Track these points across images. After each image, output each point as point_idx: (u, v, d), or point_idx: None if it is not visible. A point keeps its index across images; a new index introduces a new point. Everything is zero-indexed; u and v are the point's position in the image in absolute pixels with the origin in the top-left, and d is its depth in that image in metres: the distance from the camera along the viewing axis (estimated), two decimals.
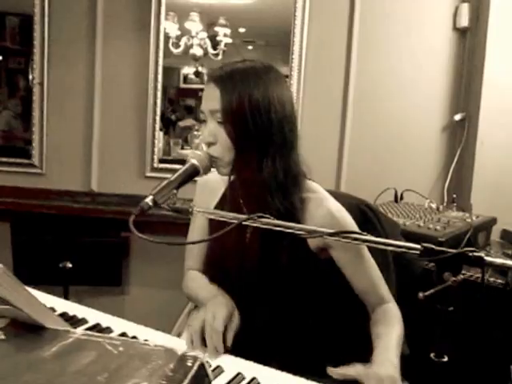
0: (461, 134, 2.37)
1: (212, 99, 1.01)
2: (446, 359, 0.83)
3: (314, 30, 2.44)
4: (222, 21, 2.67)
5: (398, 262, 1.34)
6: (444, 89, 2.42)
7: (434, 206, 2.17)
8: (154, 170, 2.63)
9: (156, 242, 0.87)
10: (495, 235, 2.14)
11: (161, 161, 2.63)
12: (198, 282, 1.23)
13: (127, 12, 2.53)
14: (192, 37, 2.63)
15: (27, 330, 0.56)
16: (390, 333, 1.01)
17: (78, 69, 2.59)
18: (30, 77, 2.60)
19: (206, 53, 2.64)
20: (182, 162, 2.84)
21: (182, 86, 2.71)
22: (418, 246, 0.81)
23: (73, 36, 2.58)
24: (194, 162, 0.97)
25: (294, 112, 1.08)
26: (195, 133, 2.80)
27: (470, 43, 2.36)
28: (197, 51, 2.65)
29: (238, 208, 1.10)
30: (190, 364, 0.48)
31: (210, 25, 2.63)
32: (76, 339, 0.54)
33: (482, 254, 0.77)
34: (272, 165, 1.03)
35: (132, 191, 2.62)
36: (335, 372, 0.82)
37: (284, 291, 1.10)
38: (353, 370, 0.82)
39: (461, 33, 2.37)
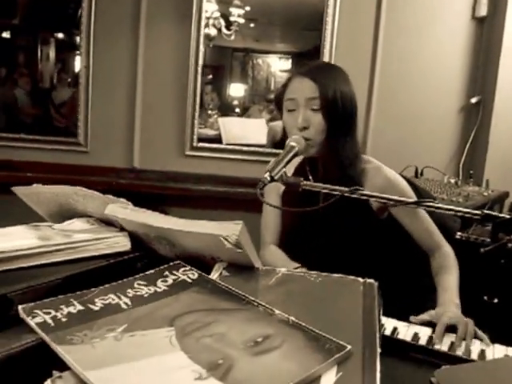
0: (476, 115, 2.61)
1: (308, 89, 1.23)
2: (496, 301, 1.08)
3: (344, 14, 2.63)
4: (236, 1, 2.84)
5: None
6: (461, 74, 2.64)
7: (452, 181, 2.42)
8: (193, 148, 2.83)
9: (280, 208, 1.10)
10: (506, 208, 2.41)
11: (199, 140, 2.84)
12: (278, 257, 1.41)
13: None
14: (208, 18, 2.75)
15: (242, 269, 0.80)
16: (449, 277, 1.23)
17: (121, 51, 2.74)
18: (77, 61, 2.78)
19: (219, 32, 2.76)
20: (219, 142, 3.02)
21: None
22: (479, 212, 1.05)
23: (117, 19, 2.73)
24: (294, 144, 1.19)
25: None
26: (209, 112, 3.00)
27: (487, 31, 2.57)
28: (211, 31, 2.82)
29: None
30: (372, 287, 0.73)
31: (224, 4, 2.78)
32: (283, 274, 0.77)
33: None
34: (351, 141, 1.27)
35: (172, 169, 2.84)
36: (417, 319, 1.04)
37: (353, 249, 1.34)
38: (427, 315, 1.05)
39: (479, 21, 2.58)
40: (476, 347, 0.92)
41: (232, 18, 2.80)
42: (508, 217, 1.02)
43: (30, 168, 2.80)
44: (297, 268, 1.29)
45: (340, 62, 2.64)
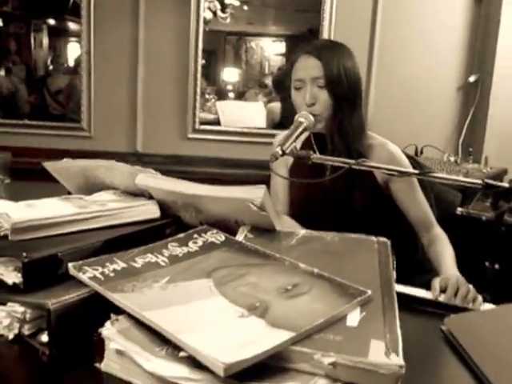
0: (474, 93, 2.66)
1: (314, 68, 1.29)
2: (497, 266, 1.16)
3: (341, 4, 2.66)
4: None
5: (437, 205, 1.66)
6: (460, 53, 2.70)
7: (452, 159, 2.49)
8: (195, 131, 2.88)
9: (290, 179, 1.16)
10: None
11: (201, 123, 2.89)
12: (288, 224, 1.46)
13: None
14: (204, 1, 2.75)
15: (265, 231, 0.86)
16: (444, 252, 1.32)
17: (122, 35, 2.77)
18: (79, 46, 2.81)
19: (214, 16, 2.79)
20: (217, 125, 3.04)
21: None
22: (480, 181, 1.12)
23: (117, 3, 2.74)
24: (302, 120, 1.25)
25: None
26: (207, 96, 3.04)
27: (485, 10, 2.61)
28: (207, 14, 2.85)
29: None
30: (385, 245, 0.80)
31: None
32: (302, 235, 0.84)
33: None
34: (357, 116, 1.34)
35: (175, 152, 2.89)
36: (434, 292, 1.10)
37: (358, 221, 1.40)
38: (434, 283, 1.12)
39: (477, 0, 2.63)
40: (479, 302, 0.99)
41: (227, 1, 2.82)
42: (508, 185, 1.09)
43: (34, 154, 2.83)
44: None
45: (338, 38, 2.72)
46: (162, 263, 0.72)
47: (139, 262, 0.71)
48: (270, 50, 2.90)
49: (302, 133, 1.25)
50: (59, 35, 2.88)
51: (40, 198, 1.07)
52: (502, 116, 2.53)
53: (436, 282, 1.04)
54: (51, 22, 2.89)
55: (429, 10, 2.66)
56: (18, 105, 2.94)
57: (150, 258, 0.73)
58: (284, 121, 2.84)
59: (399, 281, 1.14)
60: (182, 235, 0.82)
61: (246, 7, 2.83)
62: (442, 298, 0.95)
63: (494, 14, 2.54)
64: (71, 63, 2.92)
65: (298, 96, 1.35)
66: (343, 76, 1.29)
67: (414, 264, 1.40)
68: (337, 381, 0.52)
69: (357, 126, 1.33)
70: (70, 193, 1.11)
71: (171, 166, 2.89)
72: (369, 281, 0.70)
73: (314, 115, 1.31)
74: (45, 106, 2.94)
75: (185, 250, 0.77)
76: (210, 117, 2.95)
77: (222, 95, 2.94)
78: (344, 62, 1.31)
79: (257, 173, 2.75)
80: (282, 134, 1.41)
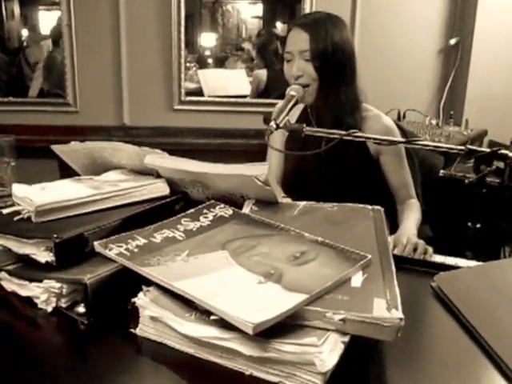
0: (455, 56, 2.72)
1: (301, 41, 1.34)
2: (479, 226, 1.26)
3: None
4: None
5: (422, 169, 1.75)
6: (440, 16, 2.73)
7: (434, 122, 2.57)
8: (181, 102, 2.90)
9: (287, 152, 1.23)
10: (485, 145, 2.58)
11: (187, 94, 2.90)
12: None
13: None
14: None
15: (268, 204, 0.93)
16: (409, 215, 1.43)
17: (103, 7, 2.74)
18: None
19: None
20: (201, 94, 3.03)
21: None
22: (463, 148, 1.20)
23: None
24: (294, 93, 1.30)
25: (354, 49, 1.44)
26: (188, 65, 3.04)
27: None
28: None
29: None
30: (379, 212, 0.88)
31: None
32: (303, 206, 0.90)
33: (506, 152, 1.16)
34: (345, 89, 1.39)
35: (162, 123, 2.91)
36: None
37: (352, 189, 1.48)
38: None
39: None
40: (463, 265, 1.08)
41: None
42: (488, 150, 1.17)
43: (21, 131, 2.82)
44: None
45: (321, 8, 2.73)
46: (180, 238, 0.78)
47: (158, 238, 0.78)
48: (247, 12, 2.88)
49: (294, 105, 1.31)
50: (31, 4, 2.82)
51: (38, 176, 1.12)
52: (481, 78, 2.60)
53: (401, 247, 1.18)
54: None
55: None
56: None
57: (168, 233, 0.79)
58: (270, 88, 2.87)
59: None
60: (192, 210, 0.89)
61: None
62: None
63: None
64: (46, 32, 2.86)
65: (288, 68, 1.40)
66: (330, 50, 1.33)
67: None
68: (346, 334, 0.60)
69: (345, 100, 1.38)
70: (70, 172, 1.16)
71: (159, 138, 2.92)
72: (367, 245, 0.78)
73: (304, 86, 1.36)
74: (24, 78, 2.91)
75: (197, 224, 0.83)
76: (192, 86, 2.95)
77: (202, 63, 2.94)
78: (333, 35, 1.35)
79: (244, 142, 2.81)
80: (279, 104, 1.46)
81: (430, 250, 1.19)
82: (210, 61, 2.97)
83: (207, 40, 2.93)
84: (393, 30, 2.75)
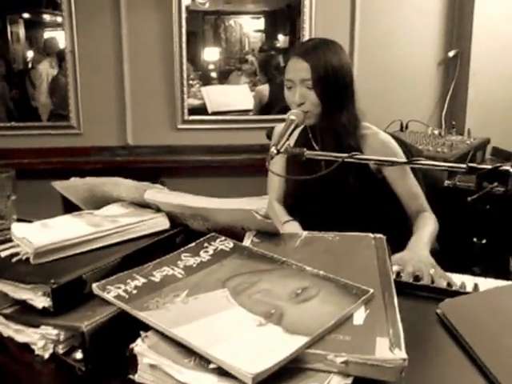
0: (454, 68, 2.72)
1: (302, 70, 1.35)
2: (484, 241, 1.24)
3: None
4: None
5: (425, 182, 1.74)
6: (438, 29, 2.75)
7: (436, 132, 2.56)
8: (184, 122, 2.91)
9: (285, 176, 1.23)
10: (488, 153, 2.56)
11: (191, 110, 2.91)
12: (278, 213, 1.59)
13: None
14: None
15: (269, 235, 0.92)
16: (420, 229, 1.38)
17: (105, 31, 2.77)
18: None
19: (193, 1, 2.79)
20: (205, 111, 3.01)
21: None
22: (464, 165, 1.18)
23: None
24: (294, 118, 1.30)
25: (353, 71, 1.44)
26: (191, 82, 3.05)
27: None
28: (186, 0, 2.83)
29: (311, 150, 1.46)
30: (381, 240, 0.87)
31: None
32: (305, 237, 0.90)
33: (508, 167, 1.15)
34: (347, 112, 1.40)
35: (165, 142, 2.92)
36: None
37: (354, 209, 1.48)
38: (394, 262, 1.18)
39: None
40: (469, 282, 1.07)
41: None
42: (490, 167, 1.16)
43: (24, 154, 2.85)
44: (288, 221, 1.46)
45: (320, 21, 2.75)
46: (179, 275, 0.78)
47: (157, 276, 0.77)
48: (249, 26, 2.91)
49: (294, 130, 1.31)
50: (36, 27, 2.85)
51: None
52: (481, 88, 2.59)
53: (407, 277, 1.07)
54: (26, 15, 2.86)
55: None
56: (2, 104, 2.93)
57: (167, 270, 0.79)
58: (272, 102, 2.88)
59: None
60: (192, 245, 0.88)
61: None
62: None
63: None
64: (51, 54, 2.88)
65: (290, 95, 1.41)
66: (331, 77, 1.34)
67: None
68: (348, 376, 0.59)
69: (347, 123, 1.39)
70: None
71: (162, 156, 2.93)
72: (369, 277, 0.77)
73: (305, 112, 1.36)
74: (27, 100, 2.92)
75: (197, 259, 0.82)
76: (196, 102, 2.97)
77: (206, 79, 2.95)
78: (332, 61, 1.36)
79: (248, 157, 2.81)
80: (279, 127, 1.46)
81: (439, 271, 1.13)
82: (213, 75, 2.97)
83: (211, 55, 2.95)
84: (392, 44, 2.76)
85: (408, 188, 1.48)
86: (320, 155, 1.26)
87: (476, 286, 1.05)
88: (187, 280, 0.76)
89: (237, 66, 2.96)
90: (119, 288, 0.74)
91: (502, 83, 2.58)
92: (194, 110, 2.91)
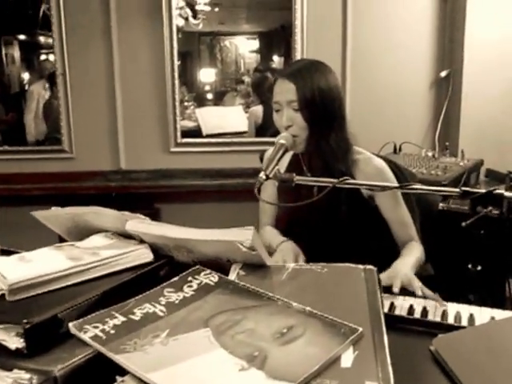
0: (446, 88, 2.73)
1: (288, 92, 1.32)
2: (480, 268, 1.21)
3: (312, 1, 2.69)
4: None
5: (420, 205, 1.71)
6: (430, 50, 2.76)
7: (430, 154, 2.55)
8: (177, 145, 2.89)
9: (275, 204, 1.20)
10: (482, 175, 2.55)
11: (185, 133, 2.89)
12: (270, 234, 1.55)
13: None
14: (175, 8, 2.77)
15: (256, 267, 0.89)
16: (408, 255, 1.36)
17: (96, 54, 2.76)
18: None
19: (186, 21, 2.79)
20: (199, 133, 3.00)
21: None
22: (458, 189, 1.16)
23: (89, 21, 2.73)
24: (283, 142, 1.28)
25: (342, 94, 1.43)
26: (185, 104, 3.05)
27: (450, 7, 2.67)
28: (179, 21, 2.85)
29: (302, 175, 1.43)
30: (372, 272, 0.84)
31: None
32: (293, 269, 0.87)
33: (502, 191, 1.13)
34: (335, 136, 1.37)
35: (159, 166, 2.90)
36: None
37: (347, 235, 1.45)
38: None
39: None
40: (464, 312, 1.04)
41: (198, 7, 2.83)
42: (484, 191, 1.13)
43: (16, 179, 2.83)
44: (282, 242, 1.42)
45: (311, 42, 2.76)
46: (160, 313, 0.74)
47: (138, 314, 0.74)
48: (245, 47, 2.92)
49: (283, 154, 1.29)
50: (31, 49, 2.85)
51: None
52: (474, 109, 2.59)
53: (396, 288, 1.09)
54: (22, 37, 2.86)
55: (398, 8, 2.71)
56: None
57: (148, 308, 0.76)
58: (266, 124, 2.86)
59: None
60: (176, 279, 0.85)
61: (217, 9, 2.85)
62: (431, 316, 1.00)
63: (459, 10, 2.60)
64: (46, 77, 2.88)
65: (278, 118, 1.39)
66: (317, 98, 1.31)
67: None
68: None
69: (336, 147, 1.36)
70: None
71: (156, 181, 2.90)
72: (358, 313, 0.74)
73: (293, 136, 1.34)
74: (22, 124, 2.90)
75: (180, 295, 0.79)
76: (190, 124, 2.96)
77: (200, 100, 2.95)
78: (319, 83, 1.33)
79: (243, 182, 2.78)
80: (269, 151, 1.44)
81: (439, 299, 1.10)
82: (209, 97, 2.97)
83: (207, 75, 2.96)
84: (384, 66, 2.76)
85: (399, 217, 1.46)
86: (310, 181, 1.23)
87: (471, 317, 1.02)
88: (168, 318, 0.73)
89: (232, 86, 2.97)
90: (97, 328, 0.70)
91: (495, 103, 2.58)
92: (188, 133, 2.89)
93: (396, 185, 1.26)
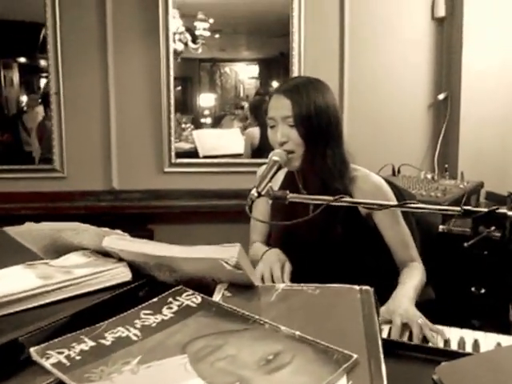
0: (445, 110, 2.69)
1: (283, 108, 1.28)
2: (483, 291, 1.14)
3: (309, 19, 2.68)
4: (200, 15, 2.87)
5: (419, 227, 1.65)
6: (427, 72, 2.73)
7: (429, 176, 2.50)
8: (171, 165, 2.83)
9: (267, 222, 1.13)
10: (482, 197, 2.49)
11: (178, 153, 2.84)
12: (258, 247, 1.50)
13: (135, 16, 2.70)
14: (174, 33, 2.77)
15: (243, 288, 0.82)
16: (406, 280, 1.28)
17: (92, 73, 2.73)
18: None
19: (186, 46, 2.79)
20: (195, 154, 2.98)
21: None
22: (459, 208, 1.10)
23: (85, 43, 2.71)
24: (277, 158, 1.23)
25: (339, 111, 1.38)
26: (183, 126, 3.02)
27: (447, 30, 2.66)
28: (178, 46, 2.85)
29: (297, 193, 1.37)
30: (369, 293, 0.76)
31: (188, 19, 2.80)
32: (283, 290, 0.80)
33: (504, 210, 1.07)
34: (332, 153, 1.32)
35: (152, 186, 2.84)
36: None
37: (339, 255, 1.38)
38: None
39: (439, 22, 2.68)
40: (468, 337, 0.97)
41: (197, 32, 2.83)
42: (486, 210, 1.07)
43: (8, 199, 2.76)
44: (267, 251, 1.37)
45: (309, 67, 2.74)
46: (134, 337, 0.67)
47: (109, 339, 0.67)
48: (244, 73, 2.92)
49: (277, 171, 1.23)
50: (30, 72, 2.83)
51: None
52: (473, 131, 2.55)
53: (396, 328, 1.01)
54: (21, 59, 2.85)
55: (394, 32, 2.70)
56: None
57: (121, 331, 0.68)
58: (263, 146, 2.82)
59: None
60: (155, 300, 0.78)
61: (217, 35, 2.85)
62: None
63: (455, 34, 2.59)
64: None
65: (272, 134, 1.34)
66: (313, 114, 1.26)
67: None
68: None
69: (332, 164, 1.30)
70: None
71: (149, 201, 2.84)
72: (353, 338, 0.67)
73: (289, 152, 1.29)
74: (20, 144, 2.87)
75: (158, 318, 0.72)
76: (187, 146, 2.92)
77: (198, 123, 2.92)
78: (316, 99, 1.28)
79: (238, 203, 2.71)
80: (262, 169, 1.39)
81: (443, 333, 1.01)
82: (207, 121, 2.95)
83: (206, 100, 2.95)
84: (382, 88, 2.74)
85: (399, 236, 1.39)
86: (304, 198, 1.17)
87: (476, 343, 0.94)
88: (142, 343, 0.66)
89: (231, 111, 2.95)
90: (61, 353, 0.63)
91: (494, 125, 2.54)
92: (184, 154, 2.85)
93: (394, 203, 1.20)
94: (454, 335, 0.98)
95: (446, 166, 2.53)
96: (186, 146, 2.92)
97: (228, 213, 2.74)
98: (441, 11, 2.63)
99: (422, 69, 2.73)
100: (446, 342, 0.95)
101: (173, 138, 2.80)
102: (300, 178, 1.41)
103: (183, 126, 2.96)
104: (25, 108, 2.87)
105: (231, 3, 2.85)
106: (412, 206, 1.13)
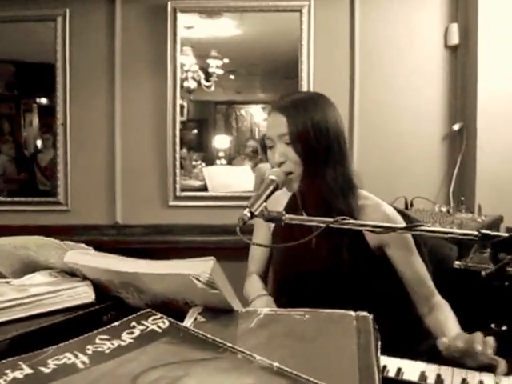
0: (460, 141, 2.60)
1: (279, 125, 1.19)
2: (505, 328, 1.00)
3: (319, 60, 2.65)
4: (213, 53, 2.87)
5: (432, 260, 1.52)
6: (441, 102, 2.65)
7: (444, 209, 2.36)
8: (176, 198, 2.77)
9: (263, 245, 1.03)
10: (502, 232, 2.34)
11: (187, 190, 2.78)
12: (252, 284, 1.38)
13: (143, 51, 2.73)
14: (186, 71, 2.81)
15: (220, 313, 0.70)
16: (449, 318, 1.18)
17: (98, 107, 2.75)
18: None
19: (199, 85, 2.82)
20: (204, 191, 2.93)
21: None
22: (476, 233, 0.98)
23: (92, 76, 2.74)
24: (274, 178, 1.13)
25: (344, 129, 1.28)
26: (194, 163, 2.98)
27: (461, 59, 2.60)
28: (191, 84, 2.84)
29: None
30: (366, 320, 0.64)
31: (201, 58, 2.81)
32: (265, 315, 0.68)
33: None
34: (333, 172, 1.21)
35: (157, 221, 2.76)
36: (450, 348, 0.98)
37: (345, 286, 1.25)
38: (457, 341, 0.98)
39: (452, 49, 2.62)
40: (489, 382, 0.83)
41: (210, 70, 2.83)
42: (507, 235, 0.96)
43: (10, 232, 2.69)
44: (258, 297, 1.27)
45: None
46: (80, 365, 0.56)
47: (50, 366, 0.56)
48: (260, 115, 2.93)
49: (273, 191, 1.13)
50: (49, 113, 2.84)
51: None
52: (490, 162, 2.44)
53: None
54: (42, 100, 2.88)
55: (406, 62, 2.65)
56: (5, 184, 2.87)
57: (67, 358, 0.57)
58: None
59: (399, 348, 0.99)
60: (116, 324, 0.67)
61: (232, 76, 2.86)
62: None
63: (470, 61, 2.52)
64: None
65: (271, 155, 1.24)
66: (310, 131, 1.17)
67: (415, 329, 1.25)
68: None
69: (333, 183, 1.20)
70: None
71: (153, 236, 2.76)
72: (344, 373, 0.54)
73: (288, 173, 1.20)
74: (34, 183, 2.89)
75: (115, 344, 0.61)
76: (197, 184, 2.87)
77: (209, 161, 2.91)
78: (314, 115, 1.19)
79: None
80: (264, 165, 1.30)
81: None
82: (222, 162, 2.95)
83: (221, 142, 2.97)
84: (394, 119, 2.66)
85: (416, 271, 1.25)
86: (301, 220, 1.07)
87: None
88: (88, 373, 0.54)
89: (245, 153, 2.95)
90: None
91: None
92: (194, 191, 2.81)
93: (402, 225, 1.08)
94: (471, 379, 0.85)
95: (462, 198, 2.41)
96: (195, 183, 2.88)
97: (235, 249, 2.63)
98: (454, 39, 2.58)
99: (435, 98, 2.65)
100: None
101: (178, 171, 2.75)
102: (300, 200, 1.31)
103: (194, 163, 2.93)
104: (40, 148, 2.89)
105: (245, 42, 2.86)
106: (424, 228, 1.02)
